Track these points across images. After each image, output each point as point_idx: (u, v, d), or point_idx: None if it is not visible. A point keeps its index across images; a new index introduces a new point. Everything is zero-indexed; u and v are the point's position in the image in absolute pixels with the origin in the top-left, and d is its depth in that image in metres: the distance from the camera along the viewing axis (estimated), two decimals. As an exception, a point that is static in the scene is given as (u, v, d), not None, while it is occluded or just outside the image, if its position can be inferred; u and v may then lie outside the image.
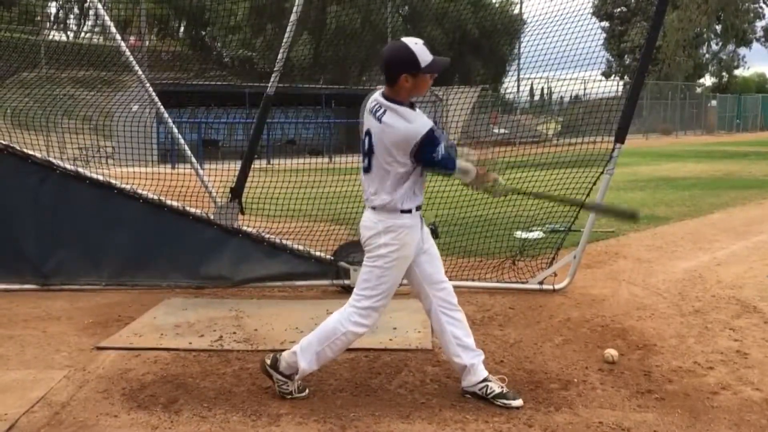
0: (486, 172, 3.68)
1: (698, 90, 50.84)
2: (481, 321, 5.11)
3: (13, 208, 5.91)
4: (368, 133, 3.52)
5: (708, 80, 57.90)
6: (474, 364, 3.70)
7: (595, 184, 5.79)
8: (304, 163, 10.95)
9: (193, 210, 6.08)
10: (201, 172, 6.35)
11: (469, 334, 3.76)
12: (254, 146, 6.23)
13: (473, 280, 6.04)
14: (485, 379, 3.69)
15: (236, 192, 5.98)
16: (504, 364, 4.23)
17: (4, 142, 5.98)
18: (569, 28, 6.07)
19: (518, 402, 3.61)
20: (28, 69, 7.51)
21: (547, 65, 6.33)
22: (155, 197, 6.06)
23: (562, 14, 6.09)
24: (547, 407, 3.60)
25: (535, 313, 5.32)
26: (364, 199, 3.62)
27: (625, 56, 51.89)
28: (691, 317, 5.19)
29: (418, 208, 3.58)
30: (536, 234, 7.50)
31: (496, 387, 3.67)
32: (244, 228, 6.06)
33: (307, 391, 3.75)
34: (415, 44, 3.42)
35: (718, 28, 53.57)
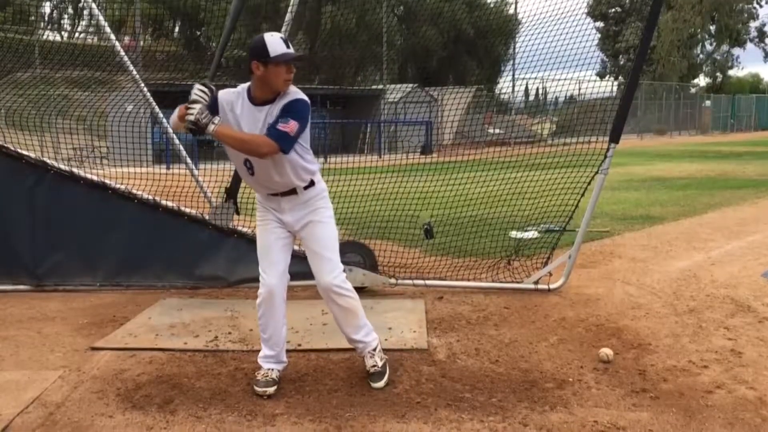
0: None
1: (692, 90, 51.02)
2: (477, 320, 5.12)
3: (6, 208, 5.88)
4: None
5: (702, 80, 58.16)
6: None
7: (589, 184, 5.82)
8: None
9: (188, 210, 6.08)
10: (196, 172, 6.35)
11: None
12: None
13: (468, 280, 6.04)
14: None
15: (231, 192, 5.97)
16: (499, 363, 4.24)
17: (-2, 143, 5.97)
18: (564, 28, 6.09)
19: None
20: (22, 69, 7.49)
21: (542, 65, 6.35)
22: (150, 198, 6.05)
23: (557, 14, 6.11)
24: (543, 406, 3.61)
25: (530, 312, 5.33)
26: None
27: (620, 56, 52.05)
28: (685, 316, 5.21)
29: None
30: (531, 234, 7.52)
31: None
32: (240, 228, 6.06)
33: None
34: (271, 36, 3.60)
35: (713, 28, 53.77)
